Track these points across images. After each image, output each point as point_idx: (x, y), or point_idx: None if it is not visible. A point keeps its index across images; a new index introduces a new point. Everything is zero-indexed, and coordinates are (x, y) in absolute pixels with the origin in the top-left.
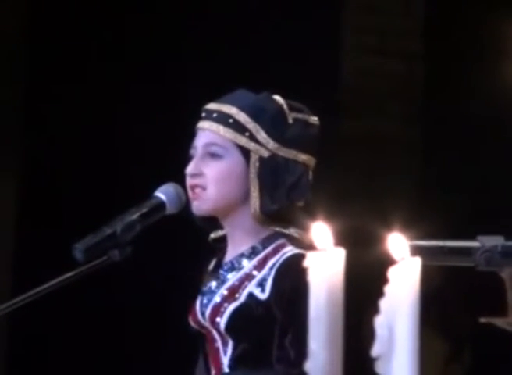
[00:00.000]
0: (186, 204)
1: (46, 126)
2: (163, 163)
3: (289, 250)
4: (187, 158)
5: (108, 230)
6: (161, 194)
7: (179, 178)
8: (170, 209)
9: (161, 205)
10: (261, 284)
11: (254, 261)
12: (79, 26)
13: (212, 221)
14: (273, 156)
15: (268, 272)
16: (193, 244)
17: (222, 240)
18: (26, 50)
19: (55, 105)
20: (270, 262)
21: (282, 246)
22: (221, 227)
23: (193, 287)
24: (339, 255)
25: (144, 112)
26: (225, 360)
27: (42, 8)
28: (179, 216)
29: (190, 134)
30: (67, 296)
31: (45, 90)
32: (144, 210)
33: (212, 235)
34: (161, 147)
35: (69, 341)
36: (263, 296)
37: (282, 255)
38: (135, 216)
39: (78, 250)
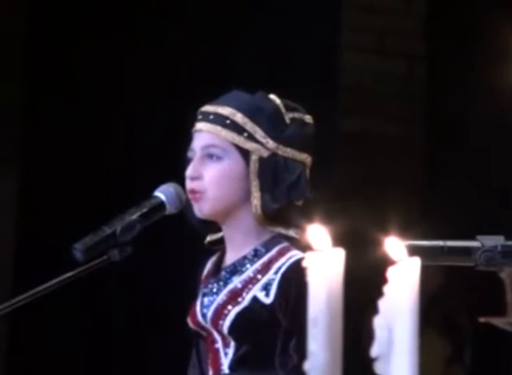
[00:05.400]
0: (184, 206)
1: (46, 125)
2: (163, 163)
3: (295, 254)
4: (185, 160)
5: (107, 230)
6: (160, 194)
7: (179, 178)
8: (170, 209)
9: (161, 205)
10: (266, 288)
11: (258, 264)
12: (79, 26)
13: (211, 225)
14: (273, 155)
15: (273, 276)
16: (186, 246)
17: (219, 242)
18: (26, 50)
19: (55, 105)
20: (275, 266)
21: (287, 249)
22: (218, 230)
23: (185, 290)
24: (339, 255)
25: (143, 112)
26: (226, 361)
27: (42, 9)
28: (172, 218)
29: (189, 134)
30: (67, 296)
31: (45, 90)
32: (144, 210)
33: (208, 238)
34: (160, 147)
35: (69, 341)
36: (267, 300)
37: (288, 258)
38: (135, 216)
39: (78, 250)
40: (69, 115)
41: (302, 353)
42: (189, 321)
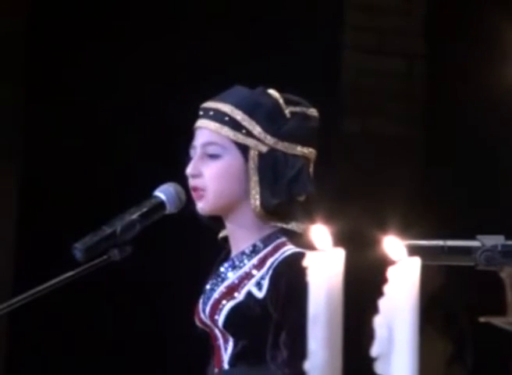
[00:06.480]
0: (186, 204)
1: (46, 125)
2: (162, 163)
3: (289, 249)
4: (187, 158)
5: (107, 230)
6: (160, 193)
7: (179, 177)
8: (170, 209)
9: (161, 204)
10: (259, 283)
11: (255, 260)
12: (79, 25)
13: (218, 220)
14: (272, 151)
15: (267, 271)
16: (186, 246)
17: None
18: (27, 50)
19: (55, 105)
20: (269, 261)
21: (283, 245)
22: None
23: (186, 290)
24: (339, 255)
25: (143, 112)
26: (226, 357)
27: (42, 8)
28: (179, 217)
29: (190, 133)
30: (67, 296)
31: (45, 90)
32: (144, 210)
33: (220, 235)
34: (160, 146)
35: (69, 341)
36: (260, 295)
37: (282, 253)
38: (135, 216)
39: (78, 249)
40: (69, 115)
41: (291, 347)
42: (196, 320)
